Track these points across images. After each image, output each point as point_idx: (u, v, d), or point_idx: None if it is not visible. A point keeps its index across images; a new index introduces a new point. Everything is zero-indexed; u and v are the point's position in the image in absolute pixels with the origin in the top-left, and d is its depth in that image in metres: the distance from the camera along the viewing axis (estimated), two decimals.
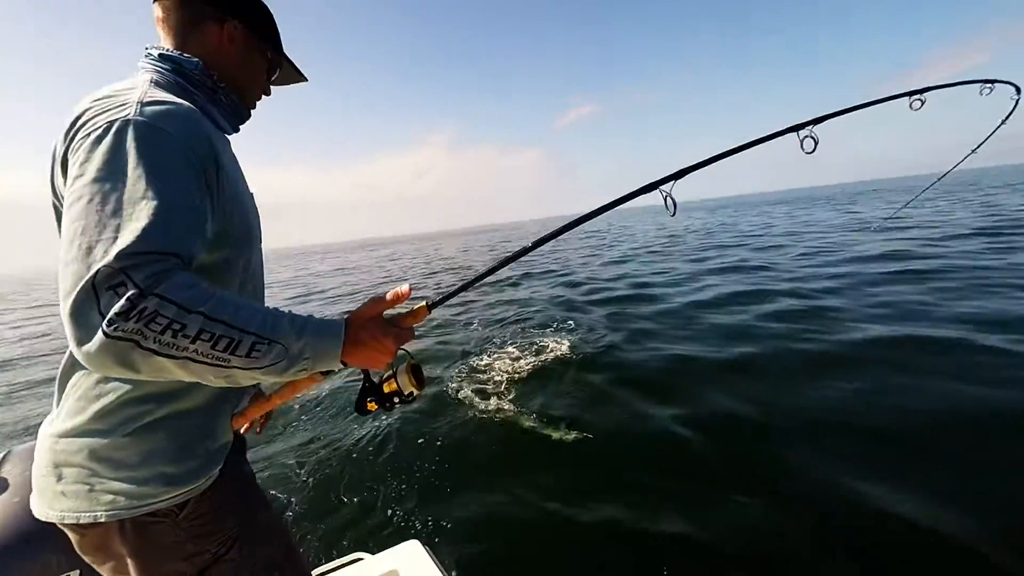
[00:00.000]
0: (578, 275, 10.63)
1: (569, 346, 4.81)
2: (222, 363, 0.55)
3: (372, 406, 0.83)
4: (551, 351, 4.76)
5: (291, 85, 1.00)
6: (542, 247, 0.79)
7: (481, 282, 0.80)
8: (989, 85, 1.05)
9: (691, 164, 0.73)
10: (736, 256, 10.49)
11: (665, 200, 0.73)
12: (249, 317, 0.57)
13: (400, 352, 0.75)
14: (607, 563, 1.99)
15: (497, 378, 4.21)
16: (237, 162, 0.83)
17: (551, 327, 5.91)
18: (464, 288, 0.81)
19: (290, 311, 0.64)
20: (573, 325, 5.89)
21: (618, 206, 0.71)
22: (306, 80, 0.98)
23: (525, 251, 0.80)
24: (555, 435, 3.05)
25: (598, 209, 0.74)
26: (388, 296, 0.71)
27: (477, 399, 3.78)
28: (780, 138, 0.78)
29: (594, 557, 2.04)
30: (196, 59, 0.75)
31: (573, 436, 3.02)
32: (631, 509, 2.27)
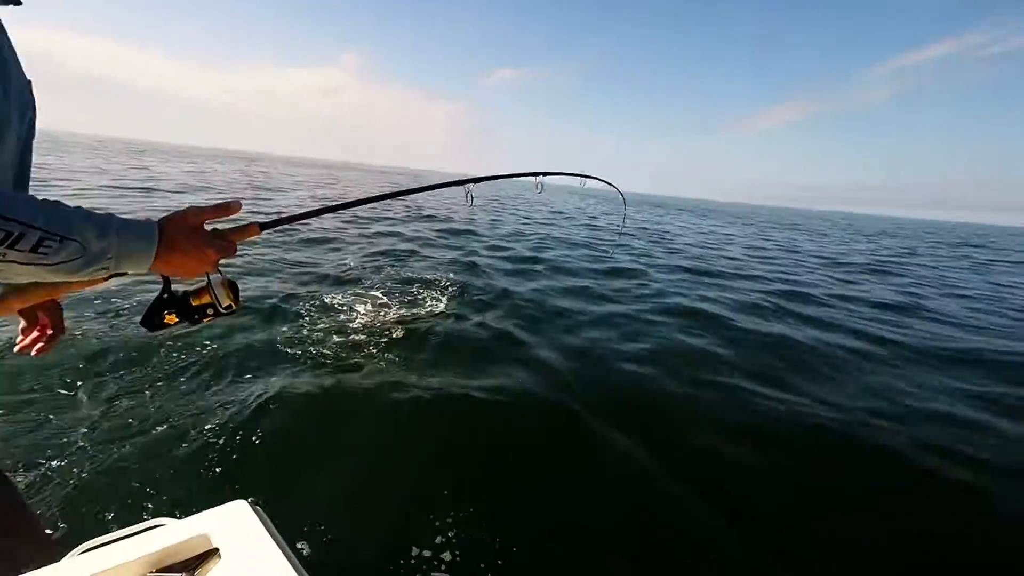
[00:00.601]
0: (474, 233, 11.22)
1: (446, 301, 4.94)
2: None
3: (171, 319, 0.76)
4: (425, 304, 4.84)
5: None
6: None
7: (320, 216, 0.91)
8: (611, 185, 1.72)
9: (484, 176, 1.09)
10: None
11: (467, 195, 1.07)
12: (31, 210, 0.52)
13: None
14: (449, 517, 1.94)
15: (358, 321, 4.06)
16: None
17: (430, 278, 6.06)
18: (302, 217, 0.84)
19: (83, 207, 0.58)
20: (452, 277, 6.12)
21: (431, 190, 1.02)
22: None
23: (360, 202, 0.94)
24: (405, 390, 2.93)
25: (413, 189, 1.02)
26: (212, 207, 0.68)
27: (328, 340, 3.57)
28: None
29: (436, 512, 1.97)
30: None
31: (425, 390, 2.95)
32: (473, 462, 2.34)
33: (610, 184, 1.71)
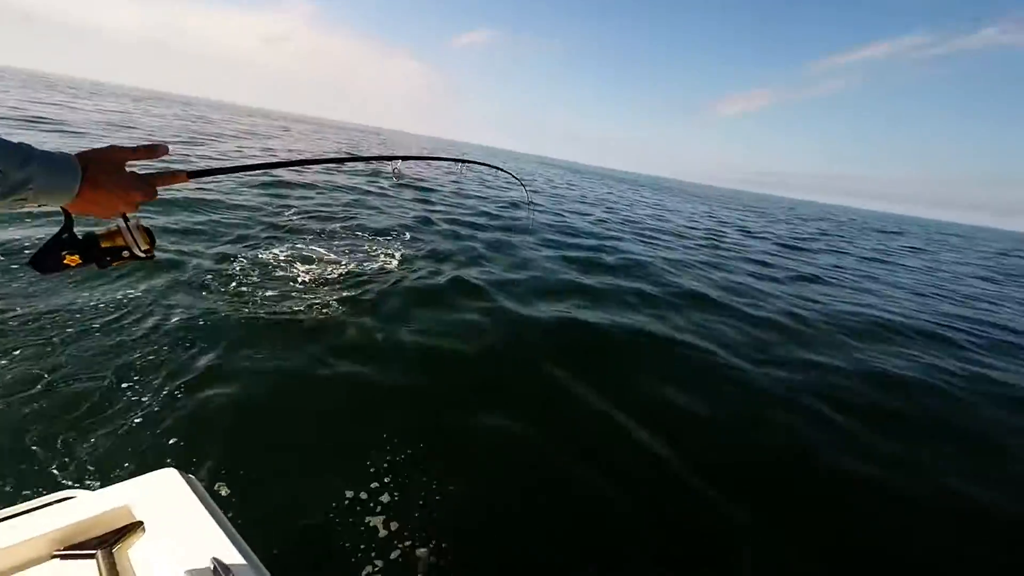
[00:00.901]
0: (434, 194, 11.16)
1: (399, 257, 4.84)
2: None
3: (73, 259, 0.71)
4: (378, 258, 4.75)
5: None
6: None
7: (266, 171, 0.97)
8: (519, 181, 1.95)
9: (412, 155, 1.22)
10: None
11: (394, 171, 1.20)
12: None
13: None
14: (400, 476, 1.89)
15: (305, 275, 3.90)
16: None
17: (385, 234, 5.98)
18: (236, 170, 0.85)
19: None
20: (407, 235, 6.06)
21: (354, 162, 1.13)
22: None
23: (298, 163, 1.00)
24: (351, 344, 2.87)
25: (340, 158, 1.14)
26: (137, 147, 0.66)
27: (269, 293, 3.38)
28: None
29: (386, 471, 1.91)
30: None
31: (362, 342, 2.93)
32: (406, 423, 2.27)
33: (517, 179, 1.96)
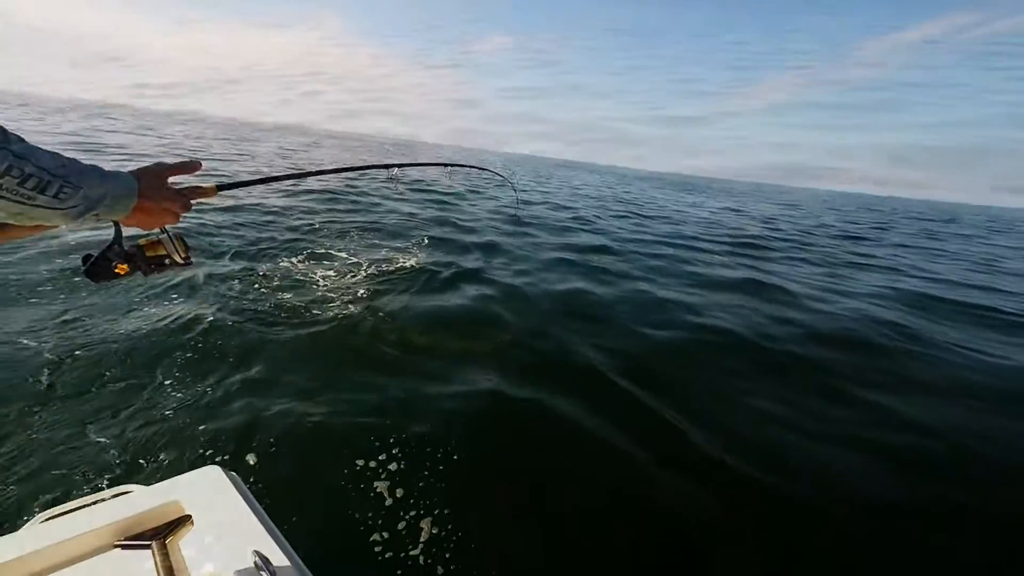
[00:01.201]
0: (456, 198, 11.57)
1: (415, 263, 4.93)
2: (25, 201, 0.54)
3: (123, 268, 0.77)
4: (396, 260, 4.93)
5: None
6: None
7: (278, 182, 0.97)
8: (504, 178, 2.09)
9: (403, 162, 1.41)
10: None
11: (392, 177, 1.40)
12: (50, 160, 0.56)
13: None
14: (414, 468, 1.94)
15: (323, 280, 4.07)
16: None
17: (403, 241, 6.17)
18: (262, 182, 0.92)
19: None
20: (426, 242, 6.21)
21: (359, 170, 1.33)
22: None
23: (312, 174, 1.10)
24: (367, 343, 2.96)
25: (348, 168, 1.32)
26: (176, 164, 0.73)
27: (298, 297, 3.57)
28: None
29: (419, 468, 1.95)
30: None
31: (390, 349, 2.96)
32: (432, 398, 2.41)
33: (503, 176, 2.16)
